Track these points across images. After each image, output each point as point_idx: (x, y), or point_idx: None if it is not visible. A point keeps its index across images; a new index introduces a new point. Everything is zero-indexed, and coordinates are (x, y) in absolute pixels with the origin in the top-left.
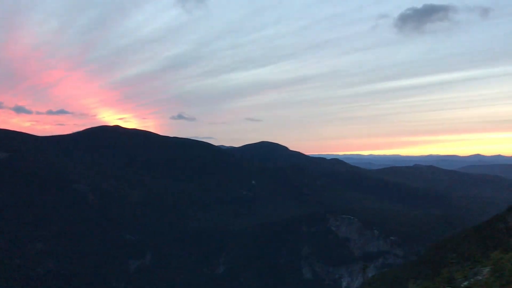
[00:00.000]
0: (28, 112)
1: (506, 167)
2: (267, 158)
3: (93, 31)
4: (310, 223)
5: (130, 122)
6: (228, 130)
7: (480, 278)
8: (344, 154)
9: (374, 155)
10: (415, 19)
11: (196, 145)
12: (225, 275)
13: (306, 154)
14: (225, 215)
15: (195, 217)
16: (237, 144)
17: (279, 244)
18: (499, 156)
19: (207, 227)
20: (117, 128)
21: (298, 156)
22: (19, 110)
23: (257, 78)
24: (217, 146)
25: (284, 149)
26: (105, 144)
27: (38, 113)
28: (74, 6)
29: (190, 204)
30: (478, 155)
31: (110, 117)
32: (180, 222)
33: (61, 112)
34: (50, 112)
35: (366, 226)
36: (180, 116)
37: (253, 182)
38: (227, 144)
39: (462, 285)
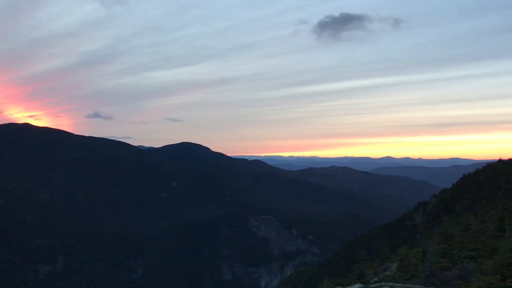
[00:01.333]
0: None
1: (413, 169)
2: (189, 159)
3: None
4: (230, 224)
5: (41, 120)
6: (148, 130)
7: (389, 273)
8: (266, 156)
9: (294, 156)
10: (333, 27)
11: (113, 145)
12: (143, 279)
13: (228, 155)
14: (143, 217)
15: (111, 220)
16: (158, 144)
17: (199, 246)
18: (407, 158)
19: (123, 230)
20: (26, 126)
21: (220, 157)
22: None
23: (179, 78)
24: (136, 146)
25: (206, 150)
26: (12, 143)
27: None
28: None
29: (105, 206)
30: (388, 157)
31: (19, 114)
32: (95, 225)
33: None
34: None
35: (285, 226)
36: (96, 115)
37: (174, 183)
38: (147, 144)
39: (372, 281)
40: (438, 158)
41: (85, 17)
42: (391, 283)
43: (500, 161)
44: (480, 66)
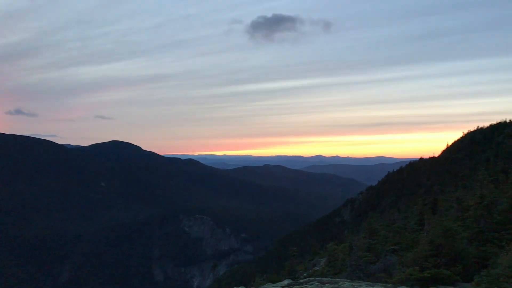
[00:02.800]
0: None
1: (342, 167)
2: (119, 158)
3: None
4: (162, 225)
5: None
6: (75, 128)
7: (318, 268)
8: (199, 155)
9: (228, 155)
10: (266, 27)
11: (37, 143)
12: (70, 284)
13: (160, 154)
14: (70, 219)
15: (34, 223)
16: (86, 143)
17: (129, 248)
18: (336, 156)
19: (48, 233)
20: None
21: (152, 156)
22: None
23: (109, 74)
24: (62, 145)
25: (137, 149)
26: None
27: None
28: None
29: (28, 208)
30: (319, 156)
31: None
32: (16, 228)
33: None
34: None
35: (218, 225)
36: (18, 112)
37: (103, 184)
38: (74, 143)
39: (302, 276)
40: (365, 156)
41: (6, 6)
42: (319, 278)
43: (422, 159)
44: (405, 69)
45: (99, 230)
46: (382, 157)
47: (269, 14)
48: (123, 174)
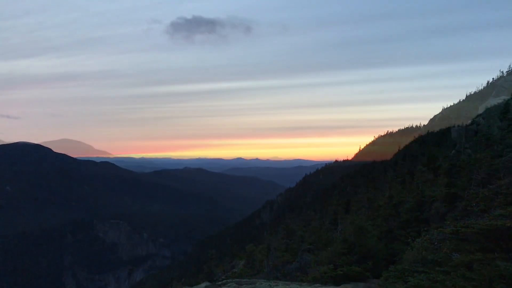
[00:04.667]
0: None
1: (262, 169)
2: (26, 160)
3: None
4: (75, 231)
5: None
6: None
7: (236, 270)
8: (115, 157)
9: (146, 158)
10: (186, 29)
11: None
12: None
13: (73, 156)
14: None
15: None
16: None
17: (38, 256)
18: (256, 159)
19: None
20: None
21: (64, 159)
22: None
23: (16, 70)
24: None
25: (47, 150)
26: None
27: None
28: None
29: None
30: (239, 158)
31: None
32: None
33: None
34: None
35: (135, 230)
36: None
37: (8, 188)
38: None
39: (220, 278)
40: (284, 159)
41: None
42: (237, 279)
43: (336, 162)
44: (322, 75)
45: (4, 238)
46: (300, 159)
47: (189, 16)
48: (31, 178)
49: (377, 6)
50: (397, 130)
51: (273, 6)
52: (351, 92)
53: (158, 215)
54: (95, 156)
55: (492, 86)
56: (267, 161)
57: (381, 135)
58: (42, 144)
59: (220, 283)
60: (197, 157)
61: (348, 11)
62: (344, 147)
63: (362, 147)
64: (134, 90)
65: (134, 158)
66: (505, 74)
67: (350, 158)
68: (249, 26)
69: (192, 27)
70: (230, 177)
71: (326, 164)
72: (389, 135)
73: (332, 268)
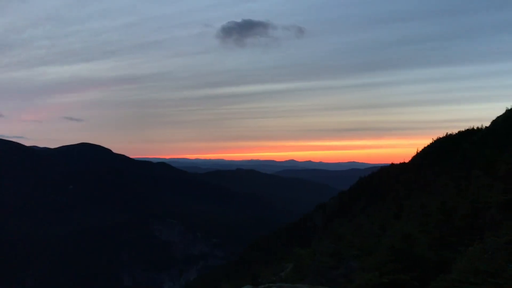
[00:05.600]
0: None
1: (314, 172)
2: (88, 161)
3: None
4: (132, 229)
5: None
6: (43, 129)
7: (283, 274)
8: (171, 158)
9: (200, 159)
10: (237, 32)
11: (3, 144)
12: None
13: (131, 157)
14: (35, 223)
15: None
16: (53, 145)
17: (97, 252)
18: (309, 161)
19: (11, 237)
20: None
21: (122, 159)
22: None
23: (79, 74)
24: (29, 146)
25: (107, 151)
26: None
27: None
28: None
29: None
30: (292, 161)
31: None
32: None
33: None
34: None
35: (189, 229)
36: None
37: (71, 186)
38: (41, 144)
39: (263, 282)
40: (338, 161)
41: None
42: (279, 284)
43: (392, 165)
44: (377, 75)
45: (67, 234)
46: (354, 162)
47: (239, 19)
48: (92, 177)
49: (437, 2)
50: (456, 132)
51: (325, 6)
52: (409, 92)
53: (211, 216)
54: (151, 157)
55: None
56: (320, 163)
57: (440, 137)
58: (102, 145)
59: (262, 287)
60: (249, 159)
61: (406, 8)
62: (401, 149)
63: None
64: (189, 92)
65: (189, 159)
66: None
67: (407, 161)
68: (301, 28)
69: (243, 30)
70: (282, 179)
71: (381, 167)
72: (448, 137)
73: (377, 276)
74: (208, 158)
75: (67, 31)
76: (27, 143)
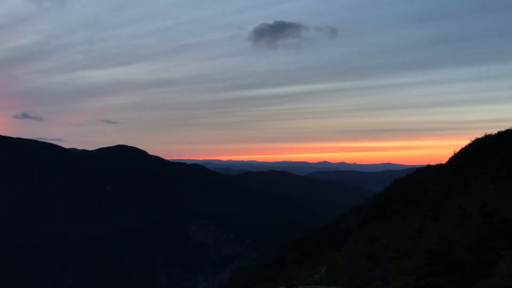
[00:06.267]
0: None
1: (348, 173)
2: (124, 163)
3: None
4: (167, 230)
5: None
6: (81, 132)
7: (317, 276)
8: (205, 160)
9: (233, 160)
10: (269, 34)
11: (43, 147)
12: (74, 287)
13: (166, 159)
14: (74, 223)
15: (40, 226)
16: (91, 147)
17: (133, 252)
18: (343, 163)
19: (53, 237)
20: None
21: (157, 161)
22: None
23: (115, 78)
24: (68, 149)
25: (142, 153)
26: None
27: None
28: None
29: (34, 212)
30: (325, 162)
31: None
32: (22, 232)
33: None
34: None
35: (222, 230)
36: (25, 115)
37: (108, 188)
38: (80, 147)
39: (298, 284)
40: (372, 163)
41: (14, 10)
42: (313, 286)
43: (429, 166)
44: (413, 74)
45: (104, 234)
46: (389, 163)
47: (271, 21)
48: (128, 179)
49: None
50: (496, 132)
51: (359, 6)
52: (445, 91)
53: (244, 217)
54: (185, 158)
55: None
56: (354, 164)
57: (478, 138)
58: (138, 147)
59: None
60: (282, 160)
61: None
62: (437, 150)
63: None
64: (222, 94)
65: (222, 160)
66: None
67: (444, 162)
68: (333, 28)
69: (275, 32)
70: (315, 181)
71: (417, 168)
72: (487, 137)
73: (414, 279)
74: (240, 160)
75: (104, 36)
76: (66, 145)
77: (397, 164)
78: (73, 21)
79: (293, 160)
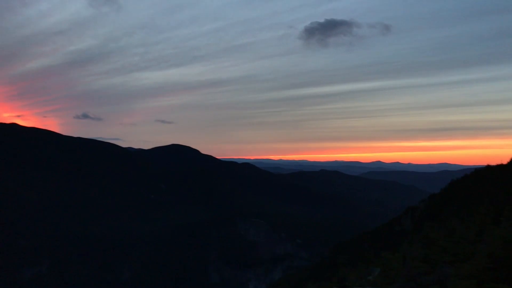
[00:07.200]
0: None
1: (403, 173)
2: (178, 161)
3: None
4: (219, 227)
5: (28, 120)
6: (138, 132)
7: (371, 278)
8: (255, 159)
9: (284, 160)
10: (320, 32)
11: (102, 146)
12: (130, 281)
13: (217, 158)
14: (131, 219)
15: (98, 222)
16: (147, 146)
17: (186, 249)
18: (397, 163)
19: (110, 232)
20: (13, 126)
21: (209, 160)
22: None
23: (170, 79)
24: (125, 148)
25: (195, 152)
26: None
27: None
28: None
29: (93, 208)
30: (378, 162)
31: (6, 114)
32: (81, 227)
33: None
34: None
35: (274, 229)
36: (85, 116)
37: (162, 185)
38: (136, 146)
39: (352, 285)
40: (427, 163)
41: (74, 15)
42: None
43: (489, 166)
44: (471, 71)
45: (159, 231)
46: (445, 163)
47: (321, 19)
48: (181, 177)
49: None
50: None
51: (412, 1)
52: (507, 88)
53: (295, 216)
54: (236, 157)
55: None
56: (409, 164)
57: None
58: (191, 146)
59: None
60: (334, 160)
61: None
62: (498, 149)
63: None
64: (273, 94)
65: (273, 160)
66: None
67: (505, 162)
68: (386, 24)
69: (326, 30)
70: (368, 181)
71: (475, 169)
72: None
73: (475, 284)
74: (291, 159)
75: (159, 38)
76: (123, 144)
77: (454, 164)
78: (129, 25)
79: (345, 160)
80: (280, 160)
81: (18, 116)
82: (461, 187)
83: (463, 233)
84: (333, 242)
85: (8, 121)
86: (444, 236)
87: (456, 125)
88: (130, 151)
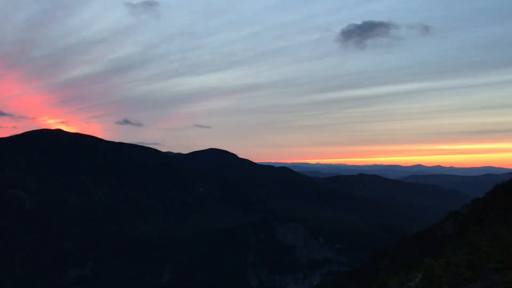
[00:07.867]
0: None
1: (445, 177)
2: (215, 165)
3: (33, 28)
4: (256, 231)
5: (72, 126)
6: (176, 136)
7: (412, 284)
8: (292, 163)
9: (321, 163)
10: (357, 34)
11: (143, 151)
12: (170, 284)
13: (254, 162)
14: (170, 223)
15: (139, 225)
16: (185, 150)
17: (225, 252)
18: (438, 166)
19: (151, 235)
20: (58, 131)
21: (246, 163)
22: None
23: (207, 84)
24: (164, 152)
25: (232, 156)
26: (44, 148)
27: None
28: (11, 1)
29: (134, 211)
30: (419, 165)
31: (51, 120)
32: (123, 230)
33: None
34: None
35: (312, 233)
36: (126, 121)
37: (201, 189)
38: (175, 150)
39: None
40: (470, 166)
41: (115, 24)
42: None
43: None
44: None
45: (197, 234)
46: (489, 167)
47: (359, 22)
48: (219, 181)
49: None
50: None
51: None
52: None
53: (334, 221)
54: (273, 161)
55: None
56: (451, 168)
57: None
58: (228, 150)
59: None
60: (372, 163)
61: None
62: None
63: None
64: (310, 97)
65: (310, 163)
66: None
67: None
68: (426, 25)
69: (363, 32)
70: (408, 185)
71: None
72: None
73: None
74: (329, 163)
75: (197, 44)
76: (163, 149)
77: (499, 168)
78: (168, 32)
79: (385, 164)
80: (318, 163)
81: (63, 122)
82: (507, 191)
83: (510, 239)
84: (372, 247)
85: (53, 127)
86: (490, 242)
87: (501, 127)
88: (169, 156)
